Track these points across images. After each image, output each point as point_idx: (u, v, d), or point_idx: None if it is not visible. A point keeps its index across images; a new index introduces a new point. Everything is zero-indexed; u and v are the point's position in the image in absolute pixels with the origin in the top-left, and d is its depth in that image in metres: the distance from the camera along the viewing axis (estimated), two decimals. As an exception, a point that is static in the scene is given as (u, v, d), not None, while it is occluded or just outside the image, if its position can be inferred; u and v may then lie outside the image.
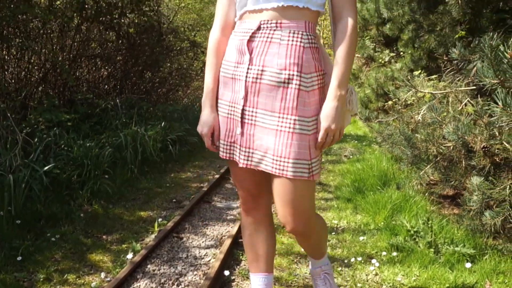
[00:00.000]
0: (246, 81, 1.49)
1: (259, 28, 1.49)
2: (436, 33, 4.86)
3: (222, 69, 1.61)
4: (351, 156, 6.43)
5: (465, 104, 3.85)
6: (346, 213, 3.70)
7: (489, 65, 2.54)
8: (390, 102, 5.75)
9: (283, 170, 1.45)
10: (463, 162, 3.24)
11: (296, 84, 1.44)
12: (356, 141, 7.85)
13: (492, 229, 2.60)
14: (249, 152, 1.52)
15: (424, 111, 4.05)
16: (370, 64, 11.07)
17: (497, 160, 2.93)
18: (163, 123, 5.29)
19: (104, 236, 3.09)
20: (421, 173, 3.66)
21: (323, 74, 1.53)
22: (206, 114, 1.62)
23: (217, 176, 4.73)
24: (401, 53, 8.62)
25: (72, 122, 4.44)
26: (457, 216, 3.20)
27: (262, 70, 1.46)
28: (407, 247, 2.81)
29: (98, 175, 3.86)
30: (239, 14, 1.58)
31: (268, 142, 1.47)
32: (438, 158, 3.49)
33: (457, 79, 4.16)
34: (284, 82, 1.44)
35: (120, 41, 6.31)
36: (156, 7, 6.67)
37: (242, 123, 1.52)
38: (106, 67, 6.33)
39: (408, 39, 7.12)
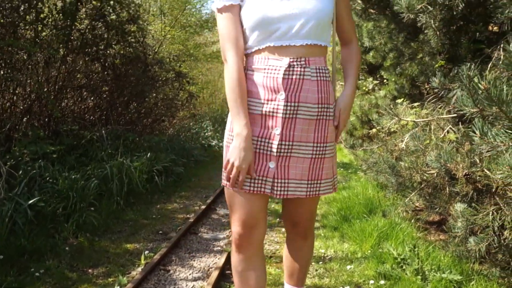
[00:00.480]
0: (283, 117, 1.57)
1: (289, 66, 1.56)
2: (417, 61, 5.00)
3: (248, 108, 1.62)
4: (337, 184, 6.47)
5: (447, 132, 3.95)
6: (333, 241, 3.71)
7: (468, 94, 2.63)
8: (374, 130, 5.84)
9: (315, 191, 1.65)
10: (447, 189, 3.30)
11: (326, 115, 1.64)
12: (342, 169, 7.91)
13: (477, 254, 2.64)
14: (284, 183, 1.60)
15: (407, 139, 4.13)
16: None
17: (479, 187, 2.99)
18: (149, 154, 5.30)
19: (90, 270, 3.06)
20: (406, 200, 3.71)
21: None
22: (246, 149, 1.56)
23: (203, 206, 4.72)
24: (385, 80, 8.83)
25: (57, 154, 4.42)
26: (443, 242, 3.24)
27: (297, 106, 1.57)
28: (395, 275, 2.83)
29: (83, 207, 3.84)
30: (256, 48, 1.61)
31: (303, 170, 1.61)
32: (422, 185, 3.54)
33: (439, 106, 4.26)
34: (317, 115, 1.61)
35: (105, 72, 6.36)
36: (142, 38, 6.76)
37: (277, 156, 1.59)
38: (92, 98, 6.35)
39: (390, 66, 7.29)
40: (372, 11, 5.26)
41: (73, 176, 3.97)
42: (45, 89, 5.20)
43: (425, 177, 3.39)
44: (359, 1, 5.00)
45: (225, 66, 1.62)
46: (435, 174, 3.24)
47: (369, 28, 6.56)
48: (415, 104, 5.06)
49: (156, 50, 7.79)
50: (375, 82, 10.13)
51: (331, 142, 1.68)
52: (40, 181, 3.89)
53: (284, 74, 1.56)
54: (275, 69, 1.57)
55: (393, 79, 7.66)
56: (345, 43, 1.82)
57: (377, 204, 4.52)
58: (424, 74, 4.46)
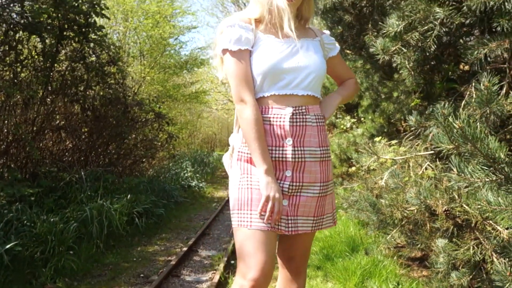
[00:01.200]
0: (292, 161, 1.69)
1: (292, 114, 1.70)
2: (393, 99, 5.16)
3: None
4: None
5: (425, 168, 4.05)
6: (316, 281, 3.70)
7: (444, 132, 2.74)
8: (353, 168, 5.95)
9: (318, 226, 1.77)
10: (428, 225, 3.37)
11: (327, 156, 1.79)
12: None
13: (460, 289, 2.68)
14: (294, 220, 1.70)
15: (386, 176, 4.22)
16: (332, 131, 11.49)
17: (459, 222, 3.07)
18: (129, 196, 5.24)
19: (69, 316, 2.98)
20: (388, 237, 3.75)
21: None
22: (276, 182, 1.66)
23: (185, 248, 4.66)
24: (362, 119, 9.04)
25: (35, 197, 4.35)
26: (426, 278, 3.28)
27: (304, 150, 1.71)
28: (380, 313, 2.83)
29: (62, 251, 3.76)
30: (261, 95, 1.72)
31: (311, 207, 1.72)
32: (403, 222, 3.60)
33: (416, 144, 4.39)
34: (321, 157, 1.75)
35: (85, 114, 6.36)
36: (122, 80, 6.82)
37: (288, 195, 1.70)
38: (71, 139, 6.32)
39: (367, 105, 7.49)
40: (348, 51, 5.45)
41: (51, 219, 3.90)
42: (24, 131, 5.17)
43: (405, 214, 3.45)
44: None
45: (241, 106, 1.68)
46: (415, 211, 3.30)
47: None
48: (393, 142, 5.20)
49: (135, 91, 7.85)
50: (353, 120, 10.37)
51: (331, 180, 1.84)
52: (17, 225, 3.81)
53: (290, 122, 1.69)
54: (280, 117, 1.69)
55: (369, 117, 7.86)
56: (342, 82, 2.09)
57: (359, 242, 4.55)
58: (400, 112, 4.60)
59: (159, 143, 8.24)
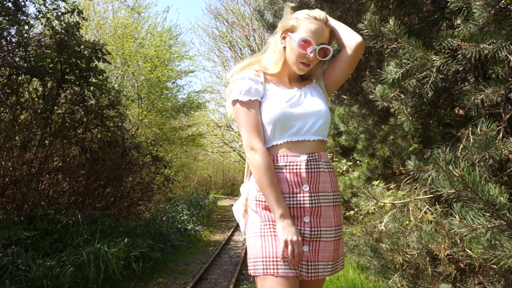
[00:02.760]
0: (310, 207, 1.73)
1: (307, 161, 1.75)
2: (388, 142, 5.23)
3: None
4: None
5: (425, 212, 4.07)
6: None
7: (445, 177, 2.81)
8: (352, 212, 5.94)
9: (334, 270, 1.79)
10: (429, 269, 3.35)
11: (338, 201, 1.83)
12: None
13: (465, 337, 2.64)
14: (315, 265, 1.72)
15: (386, 220, 4.23)
16: (328, 174, 11.57)
17: (462, 266, 3.06)
18: (126, 240, 5.19)
19: None
20: (390, 282, 3.72)
21: None
22: (293, 225, 1.69)
23: (182, 294, 4.59)
24: (358, 162, 9.10)
25: (31, 240, 4.31)
26: (430, 326, 3.23)
27: (319, 196, 1.75)
28: None
29: (58, 296, 3.70)
30: (274, 143, 1.77)
31: (330, 252, 1.75)
32: (404, 266, 3.58)
33: (414, 187, 4.43)
34: (334, 201, 1.80)
35: (83, 156, 6.38)
36: (121, 123, 6.89)
37: (309, 241, 1.73)
38: (68, 181, 6.31)
39: (363, 148, 7.56)
40: (344, 97, 5.57)
41: (47, 263, 3.85)
42: (21, 173, 5.17)
43: (407, 258, 3.44)
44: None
45: (251, 154, 1.73)
46: (416, 255, 3.30)
47: (341, 112, 6.90)
48: (391, 185, 5.23)
49: (133, 134, 7.91)
50: (349, 163, 10.44)
51: (342, 224, 1.87)
52: (12, 269, 3.76)
53: (305, 169, 1.74)
54: (296, 165, 1.74)
55: (365, 161, 7.92)
56: None
57: (360, 287, 4.50)
58: (398, 157, 4.66)
59: (156, 186, 8.22)
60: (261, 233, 1.72)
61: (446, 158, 2.72)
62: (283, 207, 1.68)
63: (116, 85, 9.70)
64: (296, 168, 1.74)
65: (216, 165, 24.05)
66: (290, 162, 1.75)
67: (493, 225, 2.03)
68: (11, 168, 4.89)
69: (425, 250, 3.12)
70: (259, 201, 1.77)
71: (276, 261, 1.66)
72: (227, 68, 19.95)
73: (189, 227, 9.18)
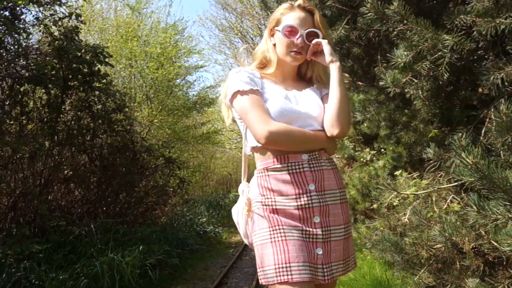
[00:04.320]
0: (318, 206, 1.73)
1: (308, 160, 1.76)
2: (412, 128, 5.14)
3: (280, 204, 1.73)
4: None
5: (450, 201, 4.01)
6: (343, 329, 3.63)
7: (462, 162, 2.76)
8: (375, 205, 5.88)
9: (346, 269, 1.80)
10: (457, 263, 3.30)
11: (345, 198, 1.85)
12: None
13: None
14: (329, 267, 1.71)
15: (409, 213, 4.19)
16: (352, 164, 11.43)
17: (490, 259, 3.00)
18: (141, 247, 5.25)
19: None
20: (416, 278, 3.69)
21: None
22: None
23: (201, 301, 4.63)
24: (382, 150, 8.99)
25: (44, 253, 4.39)
26: (460, 322, 3.18)
27: (325, 194, 1.76)
28: None
29: (72, 310, 3.77)
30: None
31: (340, 251, 1.76)
32: (431, 261, 3.54)
33: (439, 175, 4.36)
34: (340, 199, 1.81)
35: (93, 163, 6.48)
36: (129, 127, 6.96)
37: (322, 243, 1.73)
38: (80, 190, 6.41)
39: (385, 136, 7.47)
40: (360, 83, 5.50)
41: (60, 277, 3.93)
42: (31, 185, 5.27)
43: (432, 252, 3.40)
44: (346, 75, 5.19)
45: (271, 135, 1.68)
46: (443, 248, 3.25)
47: (360, 99, 6.83)
48: (415, 174, 5.16)
49: (143, 137, 7.99)
50: (373, 152, 10.31)
51: (350, 221, 1.87)
52: (25, 283, 3.85)
53: (308, 168, 1.75)
54: (299, 165, 1.75)
55: (390, 148, 7.82)
56: None
57: (386, 284, 4.47)
58: (419, 144, 4.59)
59: (171, 189, 8.28)
60: (271, 239, 1.70)
61: (463, 144, 2.68)
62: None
63: (123, 87, 9.81)
64: (299, 168, 1.74)
65: (236, 162, 24.08)
66: (291, 162, 1.75)
67: (513, 215, 1.99)
68: (21, 181, 4.98)
69: (450, 243, 3.06)
70: (266, 205, 1.75)
71: (290, 266, 1.63)
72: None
73: (209, 229, 9.24)
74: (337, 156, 11.92)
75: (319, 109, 1.82)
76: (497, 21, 2.47)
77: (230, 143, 21.85)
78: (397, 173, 5.45)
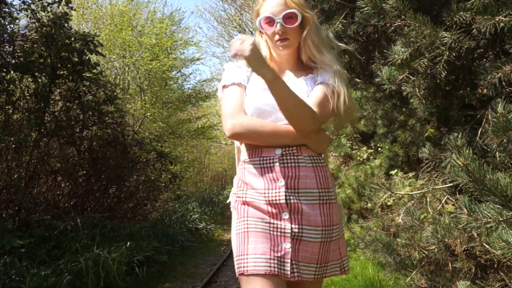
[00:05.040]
0: (287, 203, 1.68)
1: (282, 155, 1.72)
2: (409, 127, 5.12)
3: (250, 196, 1.73)
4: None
5: (445, 202, 4.00)
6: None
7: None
8: (369, 205, 5.86)
9: (322, 274, 1.73)
10: (449, 265, 3.29)
11: (328, 199, 1.74)
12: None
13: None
14: (297, 265, 1.66)
15: (403, 214, 4.17)
16: (348, 163, 11.42)
17: (482, 262, 2.99)
18: (128, 243, 5.21)
19: None
20: (407, 280, 3.67)
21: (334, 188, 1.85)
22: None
23: (189, 299, 4.61)
24: (379, 148, 8.99)
25: (26, 247, 4.36)
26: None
27: (298, 193, 1.70)
28: None
29: (53, 307, 3.74)
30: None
31: (313, 254, 1.69)
32: (423, 263, 3.52)
33: (434, 175, 4.34)
34: (320, 199, 1.72)
35: (81, 156, 6.43)
36: (120, 119, 6.91)
37: (291, 238, 1.67)
38: (67, 184, 6.37)
39: (382, 134, 7.45)
40: (358, 80, 5.48)
41: (42, 273, 3.89)
42: (15, 176, 5.23)
43: (424, 253, 3.38)
44: (344, 71, 5.14)
45: (239, 130, 1.71)
46: (435, 250, 3.23)
47: (357, 96, 6.80)
48: (410, 174, 5.15)
49: (135, 130, 7.95)
50: (370, 151, 10.31)
51: (337, 224, 1.78)
52: (5, 280, 3.81)
53: (280, 163, 1.71)
54: (270, 160, 1.72)
55: (386, 147, 7.81)
56: None
57: (378, 285, 4.46)
58: (415, 144, 4.57)
59: (163, 184, 8.25)
60: (236, 231, 1.73)
61: (457, 144, 2.67)
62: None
63: (116, 78, 9.76)
64: (270, 163, 1.72)
65: (232, 158, 24.00)
66: (263, 156, 1.73)
67: (505, 218, 1.97)
68: (5, 171, 4.93)
69: (443, 245, 3.05)
70: (238, 197, 1.77)
71: (247, 258, 1.63)
72: (238, 53, 19.81)
73: (201, 226, 9.22)
74: (333, 154, 11.92)
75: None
76: (497, 19, 2.45)
77: (226, 138, 21.79)
78: (392, 172, 5.44)
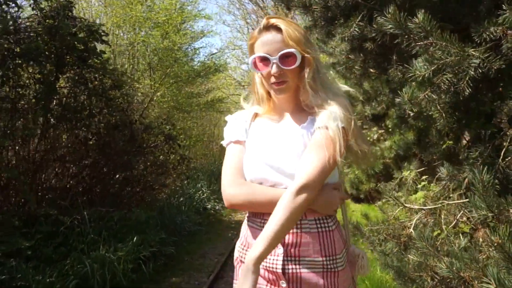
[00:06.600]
0: (284, 272, 1.54)
1: None
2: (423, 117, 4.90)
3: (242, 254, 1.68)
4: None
5: (460, 217, 3.83)
6: None
7: (481, 199, 2.56)
8: (380, 203, 5.68)
9: None
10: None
11: (335, 267, 1.56)
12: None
13: None
14: None
15: (415, 223, 4.02)
16: (359, 143, 11.25)
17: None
18: (135, 239, 5.11)
19: None
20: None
21: (347, 249, 1.67)
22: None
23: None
24: (390, 129, 8.78)
25: (32, 249, 4.27)
26: None
27: (298, 261, 1.55)
28: None
29: (59, 315, 3.67)
30: None
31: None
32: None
33: (449, 185, 4.16)
34: (324, 268, 1.55)
35: (89, 142, 6.28)
36: (127, 105, 6.73)
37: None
38: (74, 169, 6.23)
39: (395, 122, 7.22)
40: (372, 70, 5.22)
41: (48, 279, 3.81)
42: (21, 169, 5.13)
43: (437, 279, 3.24)
44: (358, 67, 4.92)
45: (232, 200, 1.61)
46: (449, 280, 3.08)
47: (372, 85, 6.57)
48: (424, 177, 4.96)
49: (143, 112, 7.78)
50: (380, 131, 10.12)
51: None
52: (9, 286, 3.74)
53: None
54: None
55: (400, 131, 7.61)
56: None
57: (387, 291, 4.35)
58: (431, 154, 4.34)
59: (171, 165, 8.13)
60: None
61: (484, 180, 2.52)
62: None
63: (124, 54, 9.52)
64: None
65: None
66: (265, 219, 1.56)
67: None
68: (9, 170, 4.80)
69: (457, 277, 2.90)
70: (240, 255, 1.72)
71: None
72: (248, 22, 19.44)
73: (209, 206, 9.14)
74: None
75: (295, 163, 1.56)
76: None
77: (236, 108, 21.55)
78: (405, 173, 5.26)
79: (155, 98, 8.98)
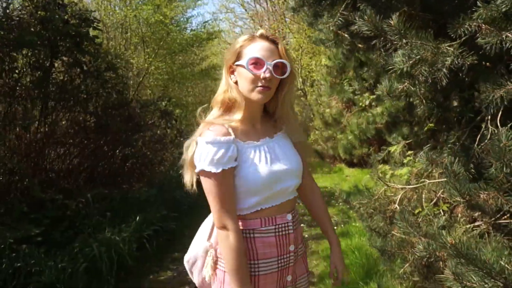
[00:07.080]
0: (293, 266, 1.84)
1: (292, 220, 1.81)
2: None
3: (263, 269, 1.73)
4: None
5: (442, 194, 4.06)
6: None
7: (452, 187, 2.83)
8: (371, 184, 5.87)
9: None
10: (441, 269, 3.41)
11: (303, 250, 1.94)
12: (341, 204, 7.93)
13: None
14: None
15: (398, 202, 4.25)
16: (351, 108, 11.38)
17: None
18: (137, 218, 5.37)
19: None
20: (401, 271, 3.83)
21: None
22: None
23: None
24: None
25: (42, 235, 4.51)
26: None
27: (298, 250, 1.87)
28: None
29: (73, 297, 3.94)
30: (259, 208, 1.72)
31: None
32: (415, 262, 3.64)
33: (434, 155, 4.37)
34: (301, 252, 1.90)
35: (87, 123, 6.45)
36: (122, 84, 6.86)
37: None
38: (75, 152, 6.42)
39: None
40: (360, 46, 5.35)
41: (59, 265, 4.07)
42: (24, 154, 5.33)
43: (416, 256, 3.50)
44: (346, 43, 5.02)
45: (223, 232, 1.64)
46: (426, 258, 3.34)
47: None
48: (409, 152, 5.17)
49: (138, 87, 7.91)
50: (372, 97, 10.23)
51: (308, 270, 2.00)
52: (25, 271, 3.99)
53: (293, 229, 1.81)
54: (285, 227, 1.78)
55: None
56: (306, 191, 2.03)
57: (374, 263, 4.62)
58: (416, 135, 4.53)
59: (168, 139, 8.32)
60: None
61: (454, 171, 2.73)
62: None
63: (118, 28, 9.53)
64: (285, 231, 1.77)
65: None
66: (278, 224, 1.76)
67: (488, 286, 2.05)
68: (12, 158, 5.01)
69: (433, 256, 3.15)
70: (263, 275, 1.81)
71: None
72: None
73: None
74: (336, 97, 11.83)
75: (297, 163, 1.84)
76: (504, 35, 2.36)
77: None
78: (391, 148, 5.46)
79: (149, 70, 9.05)
